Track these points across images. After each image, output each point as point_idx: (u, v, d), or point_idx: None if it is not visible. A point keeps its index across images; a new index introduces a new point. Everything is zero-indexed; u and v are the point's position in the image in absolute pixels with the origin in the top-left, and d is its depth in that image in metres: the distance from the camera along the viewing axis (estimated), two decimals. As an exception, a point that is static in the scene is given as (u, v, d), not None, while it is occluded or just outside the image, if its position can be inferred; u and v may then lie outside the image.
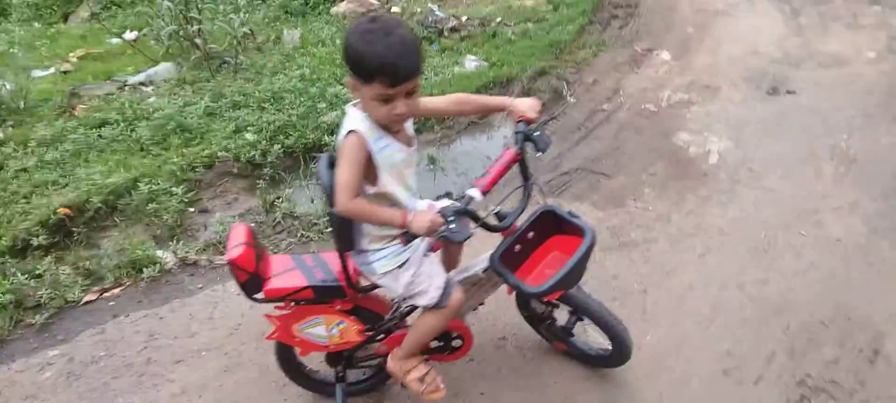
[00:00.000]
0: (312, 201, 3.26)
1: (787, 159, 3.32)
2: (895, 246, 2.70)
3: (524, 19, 5.14)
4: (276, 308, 1.81)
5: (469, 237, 1.53)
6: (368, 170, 1.56)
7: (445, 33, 5.00)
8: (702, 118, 3.77)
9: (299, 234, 3.00)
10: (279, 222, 3.10)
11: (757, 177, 3.22)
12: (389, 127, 1.57)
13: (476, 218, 1.68)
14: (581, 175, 3.34)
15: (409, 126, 1.68)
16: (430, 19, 5.12)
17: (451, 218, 1.52)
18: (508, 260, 1.79)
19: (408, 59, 1.42)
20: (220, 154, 3.46)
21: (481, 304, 2.12)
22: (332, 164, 1.60)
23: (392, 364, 1.90)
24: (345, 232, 1.66)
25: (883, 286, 2.51)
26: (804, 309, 2.42)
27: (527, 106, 1.76)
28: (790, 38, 4.66)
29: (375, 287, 1.81)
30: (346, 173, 1.53)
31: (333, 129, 3.67)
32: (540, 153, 1.74)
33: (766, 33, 4.77)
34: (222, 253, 2.85)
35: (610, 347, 2.10)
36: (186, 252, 2.87)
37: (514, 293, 2.06)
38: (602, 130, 3.72)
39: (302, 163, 3.49)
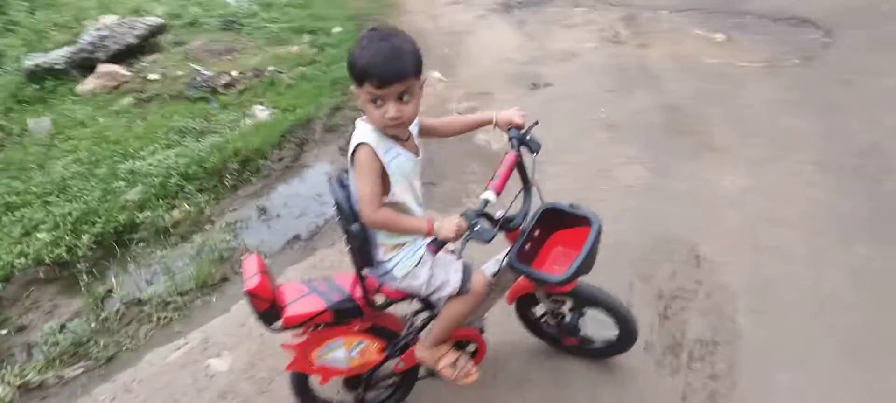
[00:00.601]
0: (150, 283, 2.97)
1: (569, 136, 3.94)
2: (674, 180, 3.42)
3: (296, 65, 5.22)
4: (294, 336, 1.77)
5: (494, 236, 1.64)
6: (382, 181, 1.62)
7: (220, 90, 4.85)
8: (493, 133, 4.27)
9: (156, 318, 2.72)
10: (123, 313, 2.77)
11: (553, 155, 3.74)
12: (398, 136, 1.65)
13: (492, 220, 1.78)
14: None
15: (415, 134, 1.75)
16: (198, 79, 4.92)
17: (475, 220, 1.62)
18: (523, 260, 1.88)
19: (395, 63, 1.51)
20: (16, 262, 2.96)
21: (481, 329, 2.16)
22: (341, 184, 1.65)
23: (422, 352, 1.94)
24: (365, 249, 1.69)
25: (679, 209, 3.16)
26: (634, 244, 2.95)
27: (512, 113, 1.87)
28: (527, 44, 5.48)
29: (391, 303, 1.85)
30: (366, 186, 1.59)
31: (144, 205, 3.39)
32: (535, 154, 1.86)
33: (507, 44, 5.53)
34: (73, 364, 2.48)
35: (615, 334, 2.21)
36: (25, 377, 2.42)
37: (513, 304, 2.20)
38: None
39: (118, 248, 3.15)
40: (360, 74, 1.53)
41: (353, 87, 1.59)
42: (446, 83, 4.86)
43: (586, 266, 1.81)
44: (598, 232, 1.84)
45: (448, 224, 1.59)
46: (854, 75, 4.34)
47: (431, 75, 5.00)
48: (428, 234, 1.63)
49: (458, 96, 4.62)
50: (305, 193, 3.68)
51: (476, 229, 1.60)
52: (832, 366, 2.25)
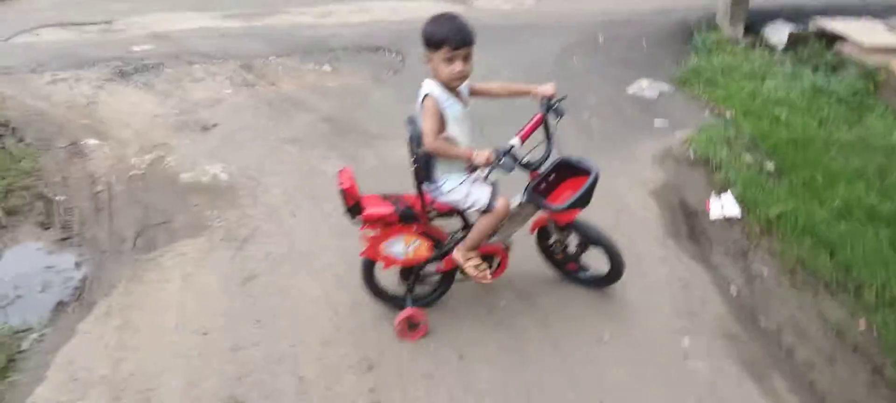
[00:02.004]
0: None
1: (265, 155, 4.68)
2: (364, 162, 4.54)
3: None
4: (366, 228, 2.60)
5: (513, 169, 2.40)
6: (439, 122, 2.40)
7: None
8: (182, 160, 4.66)
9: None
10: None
11: (263, 171, 4.47)
12: (451, 89, 2.43)
13: (517, 159, 2.44)
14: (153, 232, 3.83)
15: (465, 92, 2.52)
16: None
17: (502, 155, 2.36)
18: (537, 193, 2.63)
19: (463, 32, 2.33)
20: None
21: (511, 237, 2.87)
22: (412, 122, 2.46)
23: (457, 255, 2.66)
24: (426, 168, 2.46)
25: (373, 177, 4.30)
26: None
27: (547, 88, 2.59)
28: (167, 100, 5.82)
29: (440, 216, 2.59)
30: (429, 123, 2.38)
31: None
32: (559, 118, 2.59)
33: (145, 104, 5.75)
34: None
35: (606, 270, 2.92)
36: None
37: (535, 232, 2.98)
38: (125, 202, 4.15)
39: None
40: (439, 41, 2.32)
41: (427, 53, 2.39)
42: (111, 144, 4.94)
43: (581, 202, 2.55)
44: (595, 180, 2.55)
45: (483, 154, 2.34)
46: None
47: (88, 143, 4.99)
48: (467, 159, 2.39)
49: (135, 151, 4.81)
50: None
51: (501, 162, 2.36)
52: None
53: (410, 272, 2.88)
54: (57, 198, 4.21)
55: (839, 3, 7.20)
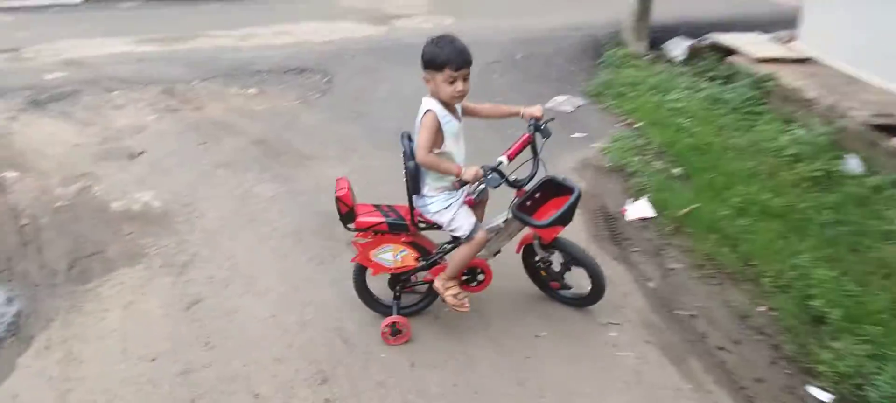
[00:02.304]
0: None
1: (197, 180, 4.68)
2: (299, 182, 4.64)
3: None
4: (358, 236, 2.81)
5: (499, 185, 2.59)
6: (437, 137, 2.58)
7: None
8: (111, 189, 4.59)
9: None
10: None
11: (195, 197, 4.49)
12: (449, 107, 2.61)
13: (503, 175, 2.61)
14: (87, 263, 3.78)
15: (458, 110, 2.68)
16: None
17: (490, 172, 2.55)
18: (525, 212, 2.75)
19: (464, 55, 2.54)
20: None
21: (498, 252, 3.01)
22: (408, 138, 2.61)
23: (437, 283, 2.80)
24: (416, 180, 2.60)
25: (314, 199, 4.41)
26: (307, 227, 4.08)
27: (535, 109, 2.77)
28: (87, 129, 5.67)
29: (429, 228, 2.72)
30: (424, 138, 2.56)
31: None
32: (545, 139, 2.74)
33: (64, 133, 5.58)
34: None
35: (588, 290, 3.03)
36: None
37: (520, 251, 3.06)
38: (53, 235, 4.07)
39: None
40: (441, 63, 2.50)
41: (427, 74, 2.57)
42: (32, 176, 4.81)
43: (562, 219, 2.67)
44: (577, 198, 2.69)
45: (471, 170, 2.53)
46: (357, 94, 6.37)
47: (6, 176, 4.82)
48: (456, 174, 2.56)
49: (59, 182, 4.69)
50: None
51: (488, 177, 2.54)
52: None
53: (397, 281, 3.05)
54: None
55: (730, 20, 7.87)
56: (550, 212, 2.74)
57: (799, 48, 6.30)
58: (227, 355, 3.00)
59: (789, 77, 5.61)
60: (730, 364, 2.93)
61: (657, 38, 7.51)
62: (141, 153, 5.19)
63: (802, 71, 5.79)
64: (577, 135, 5.44)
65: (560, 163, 4.86)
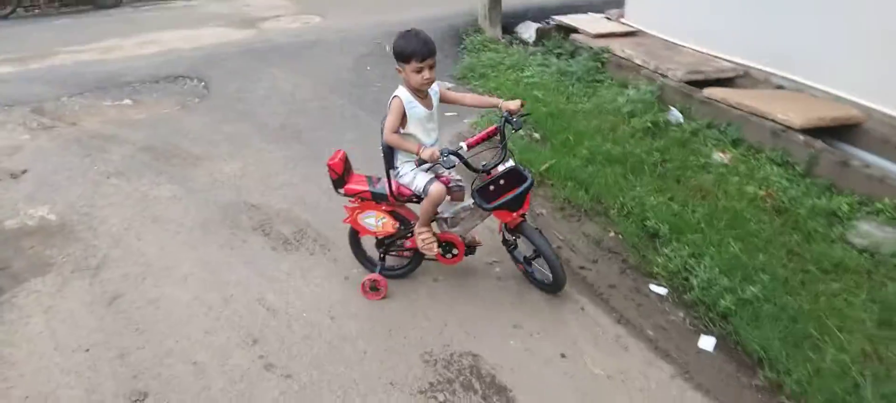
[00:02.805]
0: None
1: (88, 192, 4.77)
2: (194, 180, 4.88)
3: None
4: (351, 201, 3.28)
5: (454, 166, 3.00)
6: (403, 120, 2.98)
7: None
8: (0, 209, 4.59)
9: None
10: None
11: (91, 210, 4.60)
12: (418, 94, 2.99)
13: (460, 157, 2.92)
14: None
15: (434, 97, 3.08)
16: None
17: (445, 154, 2.84)
18: (486, 197, 3.07)
19: (429, 46, 2.89)
20: None
21: (477, 243, 3.50)
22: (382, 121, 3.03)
23: (415, 230, 3.27)
24: (389, 157, 3.12)
25: (240, 192, 4.69)
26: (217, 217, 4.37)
27: (513, 103, 3.02)
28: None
29: (408, 201, 3.21)
30: (390, 120, 2.97)
31: None
32: (516, 130, 3.03)
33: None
34: None
35: (550, 279, 3.29)
36: None
37: (502, 230, 3.37)
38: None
39: None
40: (408, 55, 2.87)
41: (398, 65, 2.94)
42: None
43: (511, 205, 2.99)
44: (528, 187, 2.97)
45: (429, 151, 2.84)
46: (237, 95, 6.60)
47: None
48: (416, 153, 2.89)
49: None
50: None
51: (443, 158, 2.82)
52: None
53: (382, 244, 3.47)
54: None
55: (571, 4, 8.85)
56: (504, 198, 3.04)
57: (627, 23, 7.31)
58: (159, 336, 3.27)
59: (621, 48, 6.55)
60: (589, 278, 3.64)
61: (509, 23, 8.33)
62: (24, 171, 5.15)
63: (631, 42, 6.77)
64: (449, 113, 6.04)
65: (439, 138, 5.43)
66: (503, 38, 8.07)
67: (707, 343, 3.09)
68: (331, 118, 6.09)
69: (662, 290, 3.48)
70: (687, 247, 3.62)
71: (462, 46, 7.86)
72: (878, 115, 4.53)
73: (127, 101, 6.61)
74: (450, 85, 6.81)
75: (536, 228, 3.34)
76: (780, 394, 2.77)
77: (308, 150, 5.35)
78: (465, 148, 3.00)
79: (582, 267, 3.75)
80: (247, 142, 5.55)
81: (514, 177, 3.09)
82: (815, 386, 2.68)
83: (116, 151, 5.44)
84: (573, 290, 3.53)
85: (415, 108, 3.03)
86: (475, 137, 3.15)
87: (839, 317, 3.03)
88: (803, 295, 3.20)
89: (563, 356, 3.06)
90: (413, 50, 2.90)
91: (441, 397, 2.84)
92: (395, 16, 9.37)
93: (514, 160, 3.19)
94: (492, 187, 3.12)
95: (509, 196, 3.00)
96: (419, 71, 2.93)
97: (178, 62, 7.64)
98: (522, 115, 3.04)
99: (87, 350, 3.20)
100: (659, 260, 3.63)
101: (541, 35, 7.90)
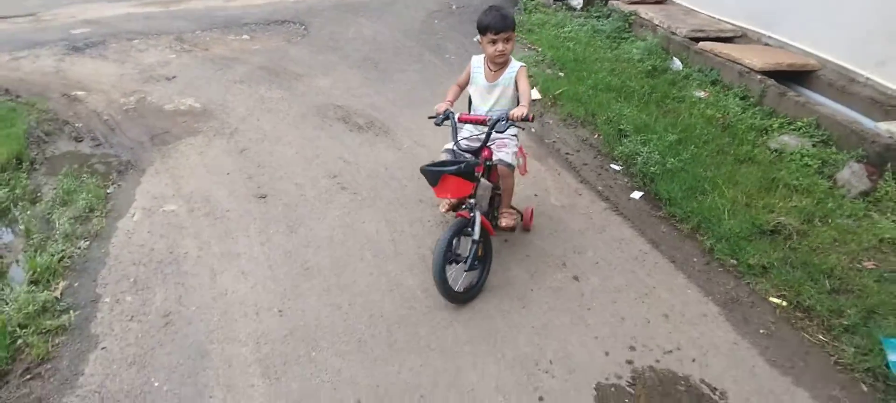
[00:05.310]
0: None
1: (218, 92, 6.57)
2: (302, 89, 6.59)
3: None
4: None
5: (440, 124, 3.22)
6: (466, 79, 3.46)
7: None
8: (160, 98, 6.43)
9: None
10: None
11: (218, 103, 6.37)
12: (492, 64, 3.30)
13: (450, 119, 3.23)
14: (162, 136, 5.68)
15: (507, 74, 3.31)
16: None
17: (441, 115, 3.23)
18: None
19: (505, 21, 3.14)
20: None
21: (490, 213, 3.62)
22: None
23: None
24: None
25: (318, 93, 6.38)
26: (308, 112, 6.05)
27: (516, 111, 3.09)
28: (124, 66, 7.45)
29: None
30: (460, 77, 3.50)
31: None
32: (499, 132, 3.23)
33: (106, 70, 7.35)
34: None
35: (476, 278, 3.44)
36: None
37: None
38: (129, 124, 5.93)
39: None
40: (484, 27, 3.13)
41: (479, 38, 3.23)
42: (96, 93, 6.59)
43: (430, 178, 3.10)
44: (456, 171, 3.01)
45: (439, 105, 3.24)
46: (330, 36, 8.30)
47: (77, 94, 6.59)
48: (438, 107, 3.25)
49: (119, 95, 6.49)
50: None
51: (438, 117, 3.24)
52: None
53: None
54: (77, 124, 5.88)
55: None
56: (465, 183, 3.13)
57: (659, -8, 8.52)
58: (272, 169, 4.95)
59: (646, 12, 7.79)
60: (571, 160, 5.06)
61: (562, -9, 9.65)
62: (174, 77, 7.01)
63: (657, 8, 7.97)
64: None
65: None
66: (555, 3, 9.39)
67: (636, 194, 4.48)
68: (401, 55, 7.68)
69: (617, 167, 4.86)
70: (641, 141, 4.97)
71: (517, 7, 9.26)
72: (830, 65, 5.66)
73: (245, 37, 8.43)
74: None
75: (481, 242, 3.26)
76: (672, 219, 4.14)
77: (381, 75, 6.97)
78: (456, 117, 3.30)
79: (567, 154, 5.17)
80: (335, 67, 7.22)
81: (467, 171, 3.11)
82: (694, 214, 4.04)
83: (240, 68, 7.23)
84: (555, 164, 4.97)
85: (478, 75, 3.40)
86: (471, 116, 3.41)
87: (731, 183, 4.34)
88: (712, 170, 4.51)
89: (535, 195, 4.52)
90: (488, 23, 3.16)
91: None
92: (464, -18, 10.87)
93: (484, 162, 3.36)
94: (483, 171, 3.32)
95: (435, 168, 3.12)
96: (494, 42, 3.19)
97: (285, 10, 9.44)
98: (518, 122, 3.15)
99: (228, 173, 4.91)
100: (620, 149, 5.00)
101: (587, 2, 9.17)
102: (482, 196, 3.29)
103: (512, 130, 3.40)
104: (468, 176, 3.10)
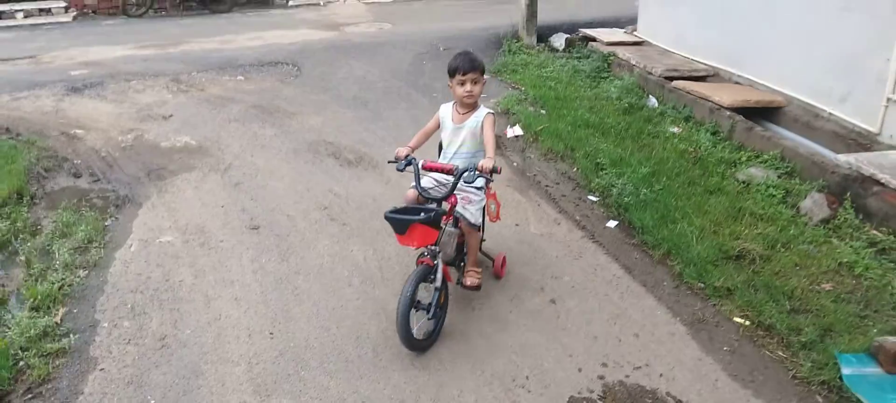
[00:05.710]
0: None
1: (213, 130, 6.83)
2: (294, 127, 6.86)
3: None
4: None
5: (402, 170, 3.24)
6: (435, 125, 3.54)
7: None
8: (157, 136, 6.67)
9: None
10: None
11: (214, 141, 6.62)
12: (459, 109, 3.43)
13: (412, 165, 3.25)
14: (158, 172, 5.91)
15: (475, 118, 3.41)
16: None
17: (402, 160, 3.27)
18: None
19: (472, 63, 3.28)
20: None
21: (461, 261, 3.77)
22: None
23: None
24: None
25: (315, 132, 6.64)
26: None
27: (486, 163, 3.16)
28: (121, 106, 7.71)
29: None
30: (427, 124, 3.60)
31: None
32: (467, 182, 3.30)
33: (100, 111, 7.61)
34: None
35: (432, 322, 3.38)
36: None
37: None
38: (127, 161, 6.15)
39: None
40: (453, 70, 3.28)
41: (449, 81, 3.36)
42: (95, 131, 6.82)
43: (395, 225, 3.17)
44: (423, 220, 3.09)
45: (399, 149, 3.30)
46: (322, 76, 8.61)
47: (76, 132, 6.82)
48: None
49: (117, 133, 6.72)
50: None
51: (399, 162, 3.27)
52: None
53: None
54: (76, 161, 6.10)
55: (602, 20, 10.48)
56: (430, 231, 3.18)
57: (637, 35, 8.91)
58: (266, 202, 5.17)
59: (624, 53, 8.16)
60: (550, 192, 5.31)
61: (545, 33, 10.06)
62: (170, 116, 7.26)
63: (635, 49, 8.36)
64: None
65: (466, 110, 7.23)
66: (538, 45, 9.78)
67: (611, 223, 4.72)
68: (390, 94, 7.98)
69: (594, 198, 5.12)
70: (617, 173, 5.23)
71: (501, 49, 9.63)
72: (796, 101, 5.99)
73: (240, 77, 8.73)
74: (486, 77, 8.58)
75: (443, 290, 3.38)
76: (644, 246, 4.38)
77: (371, 113, 7.26)
78: (419, 163, 3.31)
79: (547, 186, 5.43)
80: (327, 106, 7.50)
81: (435, 220, 3.19)
82: (665, 241, 4.28)
83: (234, 107, 7.50)
84: (536, 195, 5.22)
85: (446, 119, 3.52)
86: (435, 163, 3.41)
87: (701, 212, 4.59)
88: (683, 200, 4.77)
89: (516, 224, 4.75)
90: (457, 65, 3.29)
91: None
92: (452, 24, 11.30)
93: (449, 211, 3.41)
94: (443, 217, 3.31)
95: (401, 216, 3.17)
96: (462, 84, 3.31)
97: (278, 52, 9.77)
98: (485, 174, 3.20)
99: (222, 206, 5.13)
100: (596, 182, 5.26)
101: (568, 44, 9.57)
102: (447, 243, 3.34)
103: (480, 181, 3.39)
104: (435, 224, 3.16)
